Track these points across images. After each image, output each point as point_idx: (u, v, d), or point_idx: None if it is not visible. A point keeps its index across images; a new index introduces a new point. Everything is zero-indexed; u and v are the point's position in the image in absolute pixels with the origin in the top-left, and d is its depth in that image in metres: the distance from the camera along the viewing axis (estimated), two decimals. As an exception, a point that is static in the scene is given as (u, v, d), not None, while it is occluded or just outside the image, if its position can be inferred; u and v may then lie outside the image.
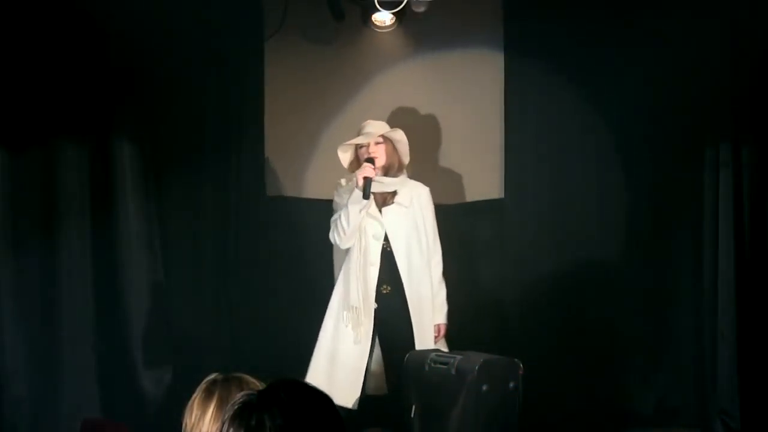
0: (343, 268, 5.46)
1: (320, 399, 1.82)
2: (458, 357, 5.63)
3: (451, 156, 6.53)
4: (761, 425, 5.95)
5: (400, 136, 5.45)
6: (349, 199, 5.26)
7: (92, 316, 5.84)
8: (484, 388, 5.49)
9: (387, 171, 5.41)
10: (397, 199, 5.42)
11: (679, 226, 6.38)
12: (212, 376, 2.61)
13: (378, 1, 6.06)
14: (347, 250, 5.41)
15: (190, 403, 2.54)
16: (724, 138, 6.09)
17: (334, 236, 5.38)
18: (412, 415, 5.73)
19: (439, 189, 6.49)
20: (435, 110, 6.52)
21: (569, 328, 6.40)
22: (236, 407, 1.81)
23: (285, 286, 6.32)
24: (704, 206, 6.16)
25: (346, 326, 5.34)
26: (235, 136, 6.29)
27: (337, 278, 5.53)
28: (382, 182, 5.37)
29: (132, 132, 5.93)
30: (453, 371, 5.57)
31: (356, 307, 5.31)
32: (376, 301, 5.37)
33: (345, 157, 5.49)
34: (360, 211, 5.25)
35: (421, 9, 6.13)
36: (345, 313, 5.36)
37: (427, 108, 6.52)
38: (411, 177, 6.29)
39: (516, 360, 5.69)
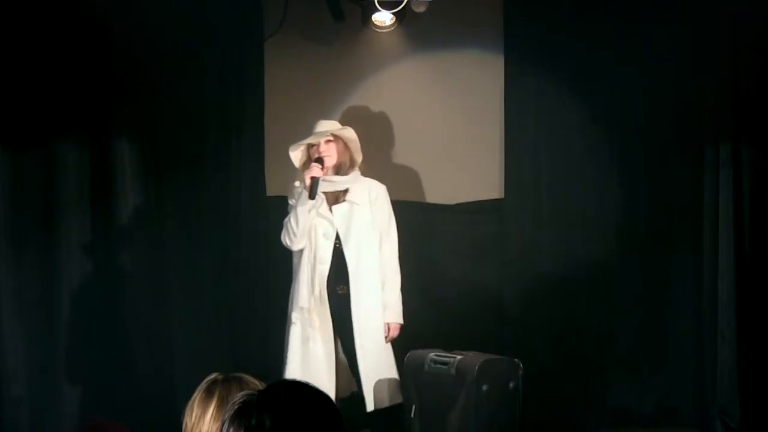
0: (294, 269, 5.39)
1: (321, 399, 1.82)
2: (458, 357, 5.63)
3: (450, 156, 6.52)
4: (761, 425, 5.95)
5: (350, 135, 5.39)
6: (299, 200, 5.21)
7: (92, 316, 5.84)
8: (484, 388, 5.49)
9: (339, 169, 5.35)
10: (348, 196, 5.33)
11: (679, 226, 6.38)
12: (212, 375, 2.61)
13: (378, 1, 6.06)
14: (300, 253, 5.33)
15: (190, 402, 2.54)
16: (724, 138, 6.09)
17: (285, 239, 5.29)
18: (412, 415, 5.74)
19: (438, 188, 6.51)
20: (435, 110, 6.52)
21: (569, 328, 6.39)
22: (236, 407, 1.81)
23: (285, 286, 6.31)
24: (704, 206, 6.17)
25: (294, 324, 5.25)
26: (235, 136, 6.29)
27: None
28: (332, 181, 5.32)
29: (132, 132, 5.94)
30: (453, 371, 5.57)
31: (305, 308, 5.22)
32: (332, 301, 5.26)
33: (296, 156, 5.42)
34: (309, 211, 5.22)
35: (421, 9, 6.12)
36: (293, 314, 5.27)
37: (427, 108, 6.51)
38: (410, 176, 6.30)
39: (516, 360, 5.69)
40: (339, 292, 5.29)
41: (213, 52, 6.18)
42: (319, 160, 5.24)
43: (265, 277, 6.37)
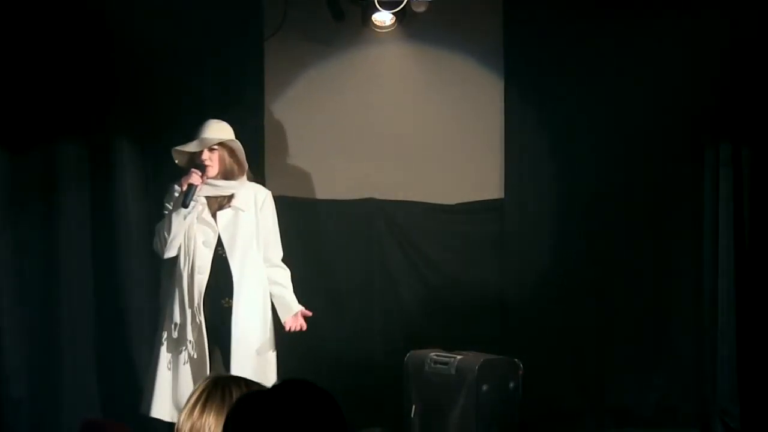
0: (164, 282, 5.08)
1: (324, 398, 1.82)
2: (458, 357, 5.65)
3: (450, 156, 6.52)
4: (761, 425, 5.95)
5: (237, 146, 5.07)
6: (173, 206, 4.94)
7: (92, 317, 5.84)
8: (484, 388, 5.50)
9: (225, 176, 5.04)
10: (234, 202, 5.04)
11: (679, 225, 6.39)
12: (209, 375, 2.63)
13: (378, 1, 6.05)
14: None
15: (186, 402, 2.57)
16: (724, 138, 6.10)
17: (155, 246, 5.00)
18: (412, 415, 5.74)
19: (438, 189, 6.51)
20: (435, 110, 6.52)
21: (569, 328, 6.39)
22: (239, 405, 1.81)
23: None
24: (704, 206, 6.18)
25: (163, 345, 4.93)
26: (235, 136, 6.27)
27: (162, 298, 5.12)
28: (217, 185, 5.02)
29: (132, 132, 5.93)
30: (453, 371, 5.58)
31: (177, 323, 4.91)
32: (214, 314, 4.97)
33: (182, 157, 5.09)
34: (184, 218, 4.90)
35: (421, 9, 6.12)
36: (164, 333, 4.96)
37: (427, 108, 6.51)
38: (410, 175, 6.28)
39: (516, 360, 5.70)
40: (224, 305, 4.98)
41: (213, 52, 6.17)
42: (200, 167, 4.95)
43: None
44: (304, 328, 5.18)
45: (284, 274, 5.20)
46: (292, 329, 5.15)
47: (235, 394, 2.35)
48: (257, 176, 5.29)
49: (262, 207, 5.12)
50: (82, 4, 5.71)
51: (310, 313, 5.18)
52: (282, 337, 6.24)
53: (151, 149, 6.05)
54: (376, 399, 6.16)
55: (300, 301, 5.24)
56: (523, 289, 6.40)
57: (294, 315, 5.15)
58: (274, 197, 6.31)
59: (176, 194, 4.98)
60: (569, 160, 6.42)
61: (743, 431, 5.97)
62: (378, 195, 6.42)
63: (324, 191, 6.37)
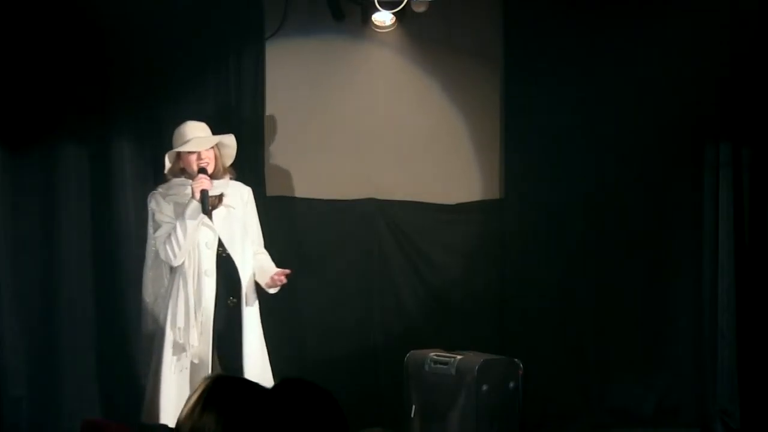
0: (172, 287, 4.94)
1: (325, 398, 1.82)
2: (458, 357, 5.65)
3: (450, 156, 6.52)
4: (761, 425, 5.96)
5: (230, 142, 5.09)
6: (185, 212, 4.84)
7: (92, 317, 5.84)
8: (484, 388, 5.51)
9: (215, 175, 5.01)
10: (225, 201, 5.03)
11: (679, 226, 6.39)
12: (209, 374, 2.63)
13: (378, 1, 6.05)
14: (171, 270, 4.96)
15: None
16: (724, 138, 6.10)
17: (167, 254, 4.89)
18: (412, 415, 5.75)
19: (438, 188, 6.51)
20: (435, 109, 6.52)
21: (569, 328, 6.40)
22: (240, 405, 1.81)
23: (283, 286, 6.31)
24: (704, 206, 6.18)
25: (166, 350, 4.86)
26: (235, 136, 6.27)
27: (145, 304, 5.09)
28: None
29: (132, 132, 5.93)
30: (453, 371, 5.58)
31: (181, 327, 4.84)
32: (222, 316, 4.92)
33: (172, 160, 5.05)
34: (198, 224, 4.87)
35: (421, 9, 6.12)
36: (166, 339, 4.88)
37: (427, 108, 6.51)
38: (410, 175, 6.27)
39: (516, 360, 5.71)
40: (230, 304, 4.96)
41: (213, 52, 6.17)
42: (203, 171, 4.92)
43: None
44: (284, 282, 5.05)
45: (266, 256, 5.18)
46: (276, 281, 5.01)
47: (236, 395, 2.35)
48: (239, 174, 5.25)
49: (247, 203, 5.15)
50: (81, 5, 5.71)
51: (287, 271, 5.04)
52: (282, 337, 6.27)
53: (151, 149, 6.05)
54: (376, 399, 6.16)
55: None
56: (523, 289, 6.40)
57: (273, 275, 5.02)
58: (274, 197, 6.35)
59: (162, 201, 4.96)
60: (569, 160, 6.43)
61: (743, 431, 5.98)
62: (378, 195, 6.43)
63: (324, 191, 6.37)
